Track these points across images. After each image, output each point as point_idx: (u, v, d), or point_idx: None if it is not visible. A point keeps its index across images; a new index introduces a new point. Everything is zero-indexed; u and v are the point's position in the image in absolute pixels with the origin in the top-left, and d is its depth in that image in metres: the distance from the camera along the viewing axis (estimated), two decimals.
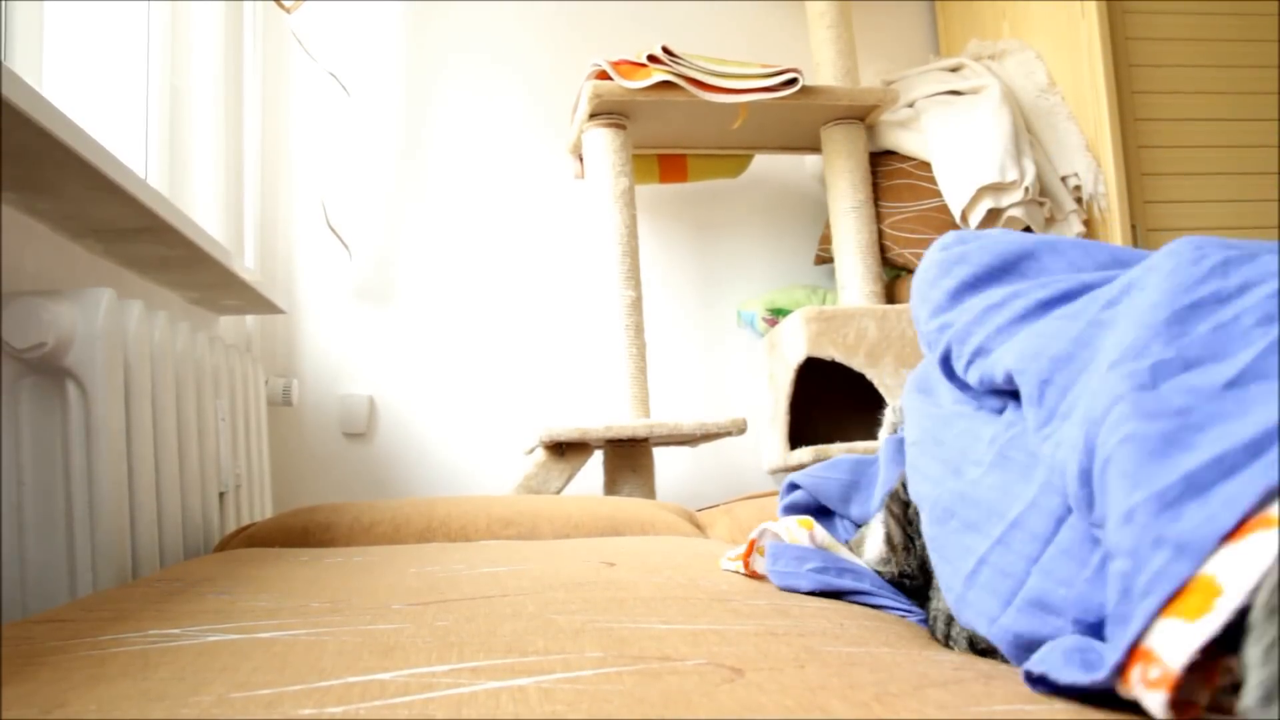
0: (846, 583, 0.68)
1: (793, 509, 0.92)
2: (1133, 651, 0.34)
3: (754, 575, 0.78)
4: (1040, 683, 0.39)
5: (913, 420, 0.63)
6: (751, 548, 0.78)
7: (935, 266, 0.61)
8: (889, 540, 0.70)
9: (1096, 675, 0.35)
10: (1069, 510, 0.44)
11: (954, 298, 0.58)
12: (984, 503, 0.50)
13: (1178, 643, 0.31)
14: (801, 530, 0.79)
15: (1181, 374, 0.38)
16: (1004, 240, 0.59)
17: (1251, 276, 0.41)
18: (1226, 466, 0.33)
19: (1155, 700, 0.32)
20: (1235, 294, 0.40)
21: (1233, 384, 0.36)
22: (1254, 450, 0.33)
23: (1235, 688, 0.32)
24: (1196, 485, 0.34)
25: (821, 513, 0.91)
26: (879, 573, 0.71)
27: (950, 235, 0.63)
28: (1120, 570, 0.36)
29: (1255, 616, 0.29)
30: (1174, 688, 0.31)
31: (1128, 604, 0.35)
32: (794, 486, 0.92)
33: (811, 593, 0.69)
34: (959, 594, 0.50)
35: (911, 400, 0.64)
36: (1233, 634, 0.31)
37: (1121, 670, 0.34)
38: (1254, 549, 0.30)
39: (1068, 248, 0.57)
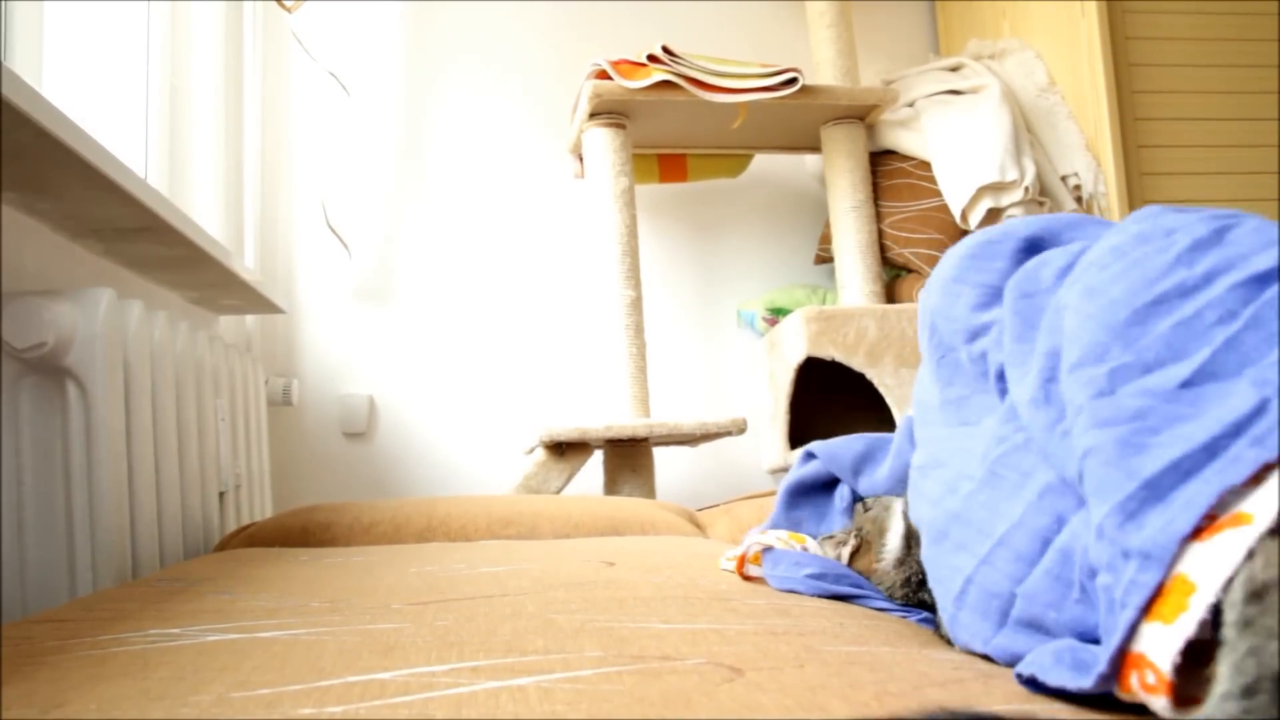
0: (844, 589, 0.68)
1: (800, 488, 0.89)
2: (1125, 659, 0.34)
3: (749, 579, 0.78)
4: (1031, 684, 0.39)
5: (921, 447, 0.61)
6: (743, 561, 0.78)
7: (977, 247, 0.56)
8: (908, 538, 0.69)
9: (1084, 681, 0.35)
10: (1058, 529, 0.43)
11: (1016, 259, 0.54)
12: (974, 521, 0.49)
13: (1162, 645, 0.31)
14: (794, 544, 0.79)
15: (1139, 378, 0.37)
16: (1028, 219, 0.57)
17: (1218, 264, 0.39)
18: (1184, 470, 0.33)
19: (1159, 704, 0.32)
20: (1200, 285, 0.38)
21: (1188, 384, 0.36)
22: (1211, 450, 0.33)
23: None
24: (1156, 492, 0.33)
25: (827, 488, 0.89)
26: (887, 589, 0.70)
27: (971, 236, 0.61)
28: (1103, 584, 0.36)
29: (1228, 625, 0.29)
30: (1170, 691, 0.31)
31: (1111, 617, 0.35)
32: (810, 456, 0.88)
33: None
34: (951, 614, 0.49)
35: (918, 430, 0.62)
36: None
37: (1118, 677, 0.34)
38: (1225, 546, 0.30)
39: (1088, 223, 0.55)
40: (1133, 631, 0.33)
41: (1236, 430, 0.33)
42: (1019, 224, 0.56)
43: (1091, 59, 2.00)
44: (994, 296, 0.54)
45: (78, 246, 1.13)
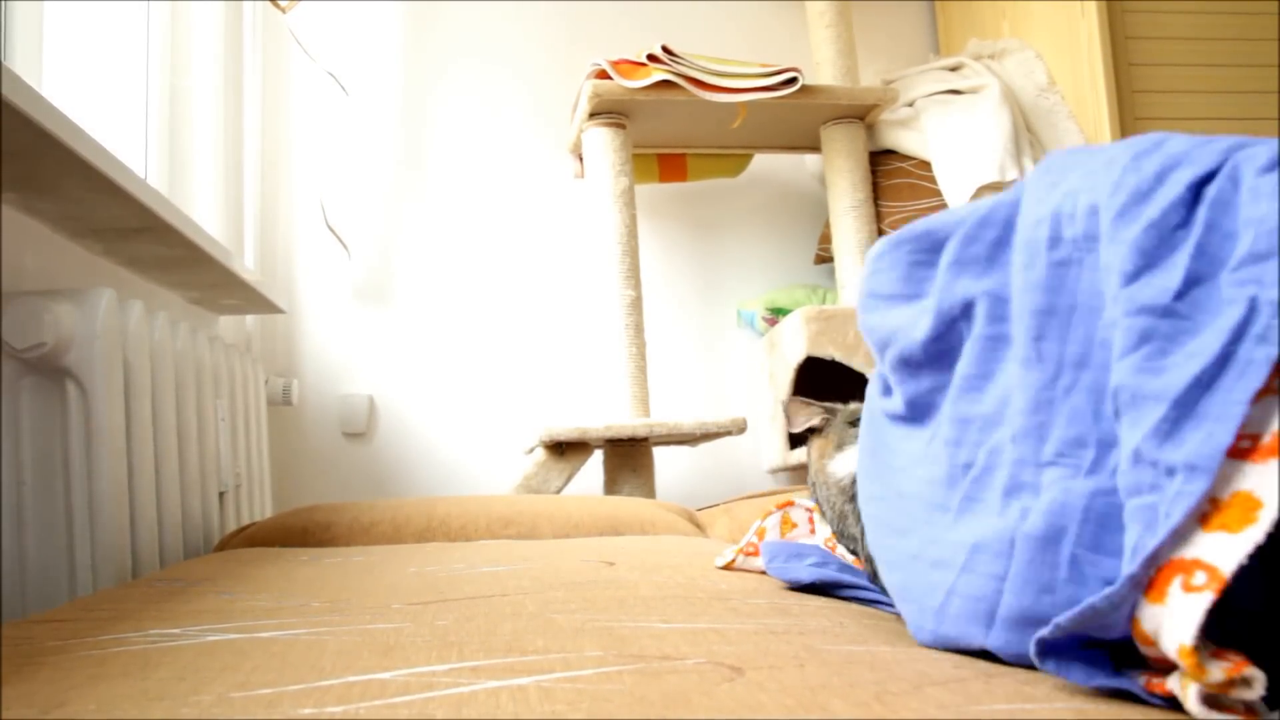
0: (846, 577, 0.68)
1: None
2: (1163, 568, 0.35)
3: (732, 569, 0.79)
4: (1050, 651, 0.39)
5: (865, 484, 0.58)
6: (735, 557, 0.79)
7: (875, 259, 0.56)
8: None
9: (1110, 587, 0.36)
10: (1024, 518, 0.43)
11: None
12: (948, 541, 0.49)
13: (1227, 551, 0.33)
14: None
15: (1130, 285, 0.39)
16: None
17: (1166, 163, 0.40)
18: (1205, 384, 0.35)
19: (1195, 604, 0.33)
20: (1155, 185, 0.40)
21: (1180, 295, 0.37)
22: (1223, 360, 0.35)
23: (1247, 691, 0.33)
24: (1185, 409, 0.35)
25: None
26: (824, 498, 0.68)
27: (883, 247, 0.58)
28: (1144, 504, 0.37)
29: None
30: (1220, 590, 0.33)
31: (1151, 532, 0.36)
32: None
33: (810, 585, 0.69)
34: (932, 630, 0.49)
35: (864, 463, 0.59)
36: (1259, 643, 0.33)
37: (1149, 585, 0.35)
38: None
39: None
40: (1174, 538, 0.35)
41: (1239, 334, 0.34)
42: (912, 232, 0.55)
43: (1091, 59, 2.00)
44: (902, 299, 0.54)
45: (78, 246, 1.13)
